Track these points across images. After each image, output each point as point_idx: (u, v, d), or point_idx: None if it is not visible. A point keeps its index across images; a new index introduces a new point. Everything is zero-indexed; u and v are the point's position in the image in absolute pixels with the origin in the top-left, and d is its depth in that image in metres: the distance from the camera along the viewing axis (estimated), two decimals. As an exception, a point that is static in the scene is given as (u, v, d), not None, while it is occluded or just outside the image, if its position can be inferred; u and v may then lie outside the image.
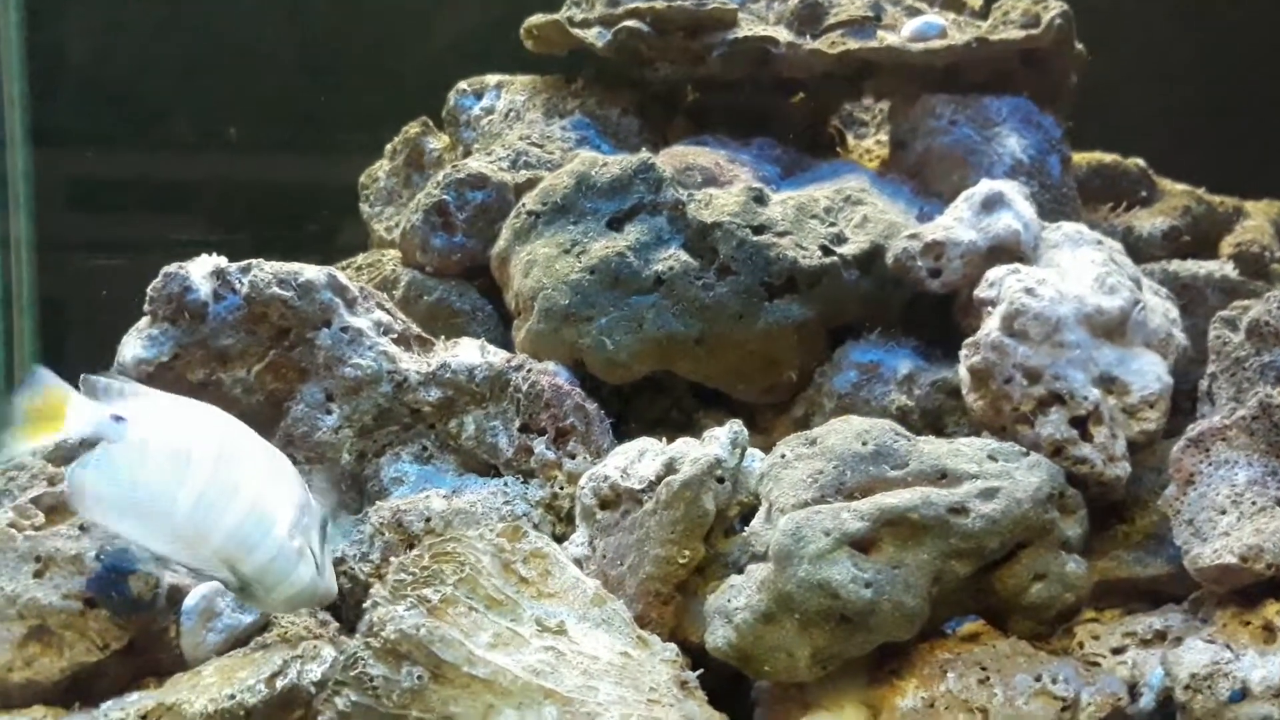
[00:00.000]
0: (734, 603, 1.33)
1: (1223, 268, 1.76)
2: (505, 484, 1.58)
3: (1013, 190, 1.60)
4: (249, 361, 1.59)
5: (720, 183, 1.76)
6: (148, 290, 1.58)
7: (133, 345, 1.58)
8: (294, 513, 1.24)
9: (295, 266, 1.61)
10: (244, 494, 1.21)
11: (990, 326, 1.46)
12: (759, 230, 1.66)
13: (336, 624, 1.43)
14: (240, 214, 2.56)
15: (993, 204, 1.58)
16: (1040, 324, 1.43)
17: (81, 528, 1.37)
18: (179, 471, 1.20)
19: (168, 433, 1.20)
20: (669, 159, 1.77)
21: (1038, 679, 1.28)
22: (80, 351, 2.60)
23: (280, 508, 1.23)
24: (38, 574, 1.34)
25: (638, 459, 1.48)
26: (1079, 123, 1.94)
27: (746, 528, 1.43)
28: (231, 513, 1.21)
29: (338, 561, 1.50)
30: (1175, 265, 1.75)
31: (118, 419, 1.19)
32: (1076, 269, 1.50)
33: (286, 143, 2.61)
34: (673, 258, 1.65)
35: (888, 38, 1.82)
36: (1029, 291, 1.45)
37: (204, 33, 2.57)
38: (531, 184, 1.79)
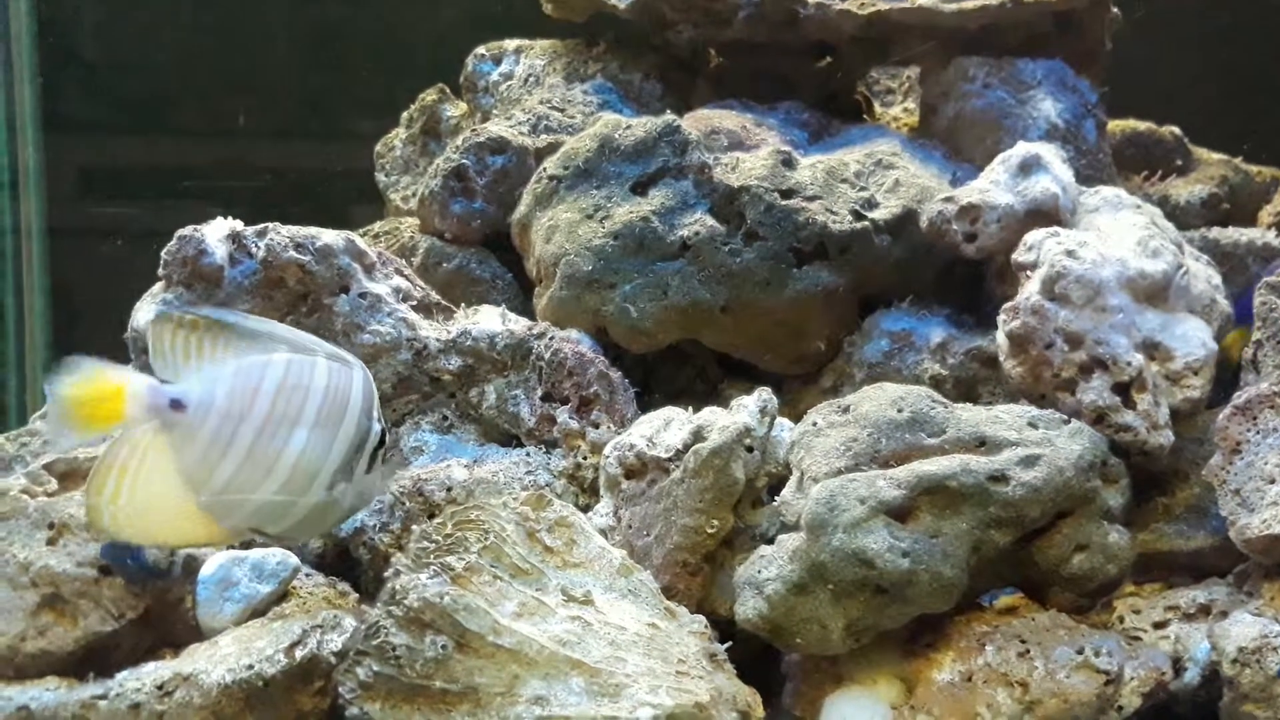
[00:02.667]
0: (765, 573, 1.29)
1: (1264, 235, 1.71)
2: (527, 454, 1.54)
3: (1050, 153, 1.56)
4: (265, 327, 1.55)
5: (747, 146, 1.71)
6: (162, 254, 1.55)
7: (146, 310, 1.54)
8: (340, 458, 1.19)
9: (313, 230, 1.58)
10: (280, 466, 1.18)
11: (1030, 290, 1.41)
12: (787, 194, 1.62)
13: (356, 594, 1.39)
14: (252, 198, 2.54)
15: (1030, 167, 1.53)
16: (1082, 287, 1.39)
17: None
18: (220, 453, 1.17)
19: (217, 416, 1.17)
20: (694, 122, 1.72)
21: (1079, 652, 1.24)
22: (90, 336, 2.58)
23: (323, 462, 1.18)
24: (51, 541, 1.31)
25: (664, 428, 1.45)
26: (1112, 89, 1.89)
27: (776, 498, 1.39)
28: (264, 489, 1.18)
29: (357, 532, 1.47)
30: (1215, 233, 1.71)
31: (175, 404, 1.15)
32: (1118, 232, 1.45)
33: (299, 126, 2.58)
34: (698, 223, 1.61)
35: (919, -1, 1.77)
36: (1070, 254, 1.40)
37: (212, 15, 2.55)
38: (552, 148, 1.75)
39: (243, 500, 1.18)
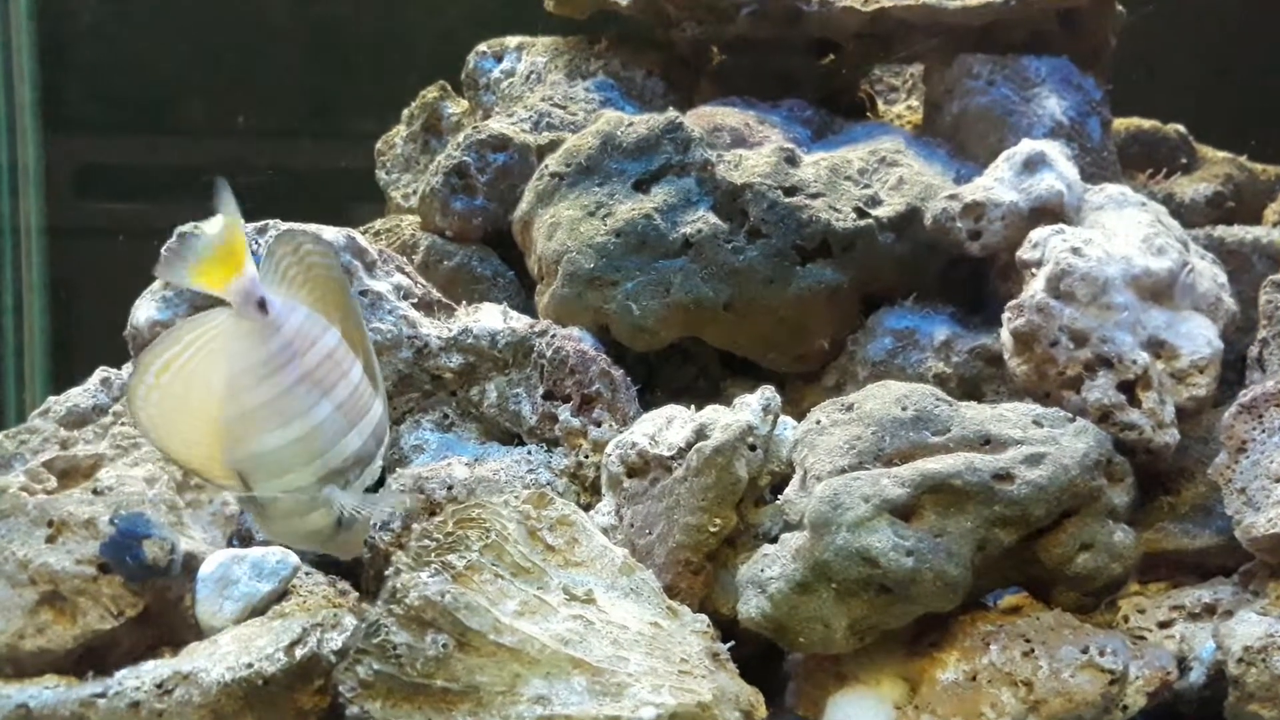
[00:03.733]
0: (768, 572, 1.29)
1: (1270, 234, 1.70)
2: (529, 452, 1.53)
3: (1055, 150, 1.55)
4: (265, 325, 1.54)
5: (750, 144, 1.71)
6: (161, 250, 1.54)
7: (146, 307, 1.54)
8: (340, 463, 1.18)
9: (313, 227, 1.56)
10: (298, 424, 1.16)
11: (1035, 288, 1.41)
12: (791, 192, 1.61)
13: (356, 593, 1.39)
14: (252, 196, 2.53)
15: (1035, 164, 1.53)
16: (1087, 285, 1.38)
17: (95, 491, 1.33)
18: (267, 373, 1.15)
19: (282, 339, 1.14)
20: (697, 119, 1.72)
21: (1084, 651, 1.23)
22: (89, 335, 2.58)
23: (327, 453, 1.17)
24: (50, 539, 1.31)
25: (666, 426, 1.44)
26: (1117, 87, 1.88)
27: (779, 497, 1.38)
28: (273, 439, 1.15)
29: (357, 529, 1.46)
30: (1221, 231, 1.70)
31: (262, 305, 1.12)
32: (1123, 230, 1.45)
33: (300, 123, 2.58)
34: (701, 220, 1.60)
35: (923, -4, 1.76)
36: (1075, 251, 1.40)
37: (213, 14, 2.54)
38: (554, 145, 1.74)
39: (255, 436, 1.15)
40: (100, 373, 1.56)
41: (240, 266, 1.11)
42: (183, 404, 1.14)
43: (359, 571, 1.44)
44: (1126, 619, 1.38)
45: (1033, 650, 1.24)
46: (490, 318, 1.60)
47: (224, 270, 1.11)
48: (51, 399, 1.51)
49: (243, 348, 1.14)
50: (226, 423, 1.15)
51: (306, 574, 1.38)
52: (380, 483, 1.23)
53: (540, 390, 1.56)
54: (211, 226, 1.11)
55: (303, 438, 1.16)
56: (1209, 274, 1.50)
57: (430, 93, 2.03)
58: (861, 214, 1.61)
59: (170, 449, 1.17)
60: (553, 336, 1.58)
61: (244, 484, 1.17)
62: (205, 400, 1.15)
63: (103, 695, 1.20)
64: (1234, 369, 1.52)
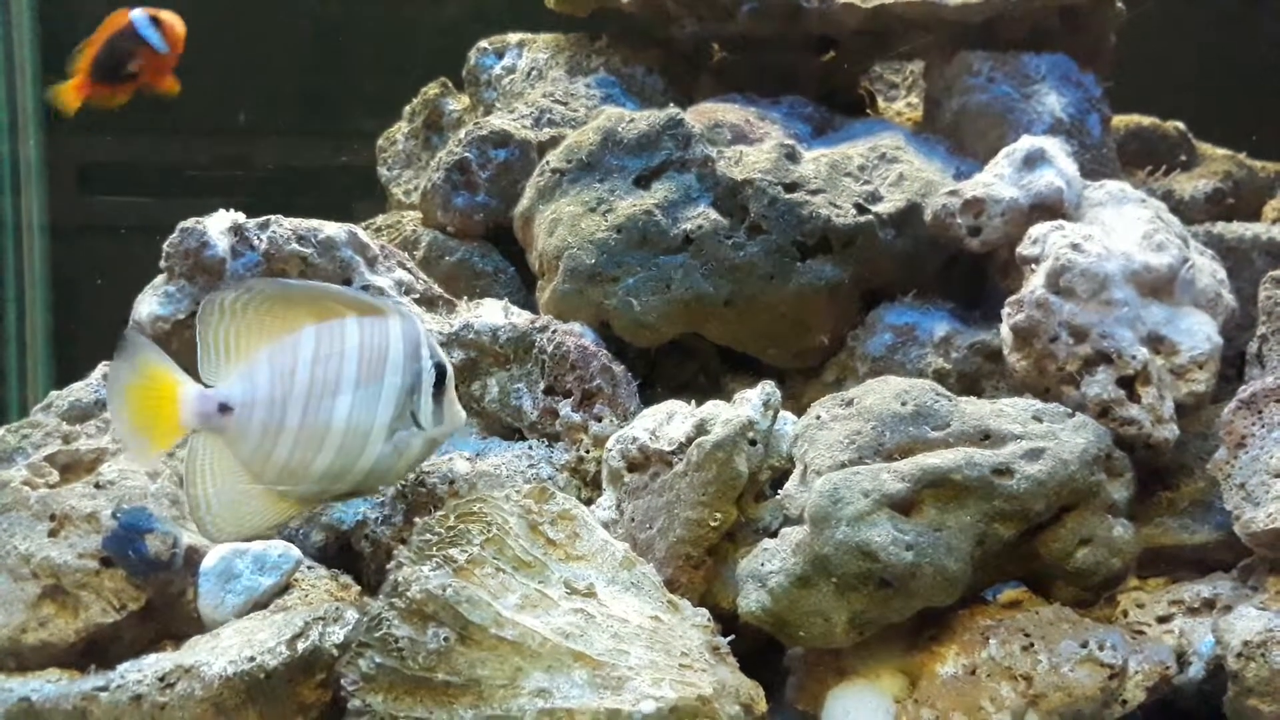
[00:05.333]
0: (768, 566, 1.29)
1: (1269, 230, 1.70)
2: (530, 447, 1.54)
3: (1054, 147, 1.55)
4: (267, 320, 1.55)
5: (750, 140, 1.71)
6: (164, 246, 1.55)
7: (149, 302, 1.54)
8: (392, 409, 1.22)
9: (315, 223, 1.57)
10: (331, 436, 1.21)
11: (1035, 284, 1.41)
12: (791, 188, 1.61)
13: (358, 587, 1.39)
14: (254, 191, 2.53)
15: (1034, 160, 1.53)
16: (1087, 280, 1.39)
17: (97, 485, 1.34)
18: (273, 440, 1.22)
19: (262, 407, 1.21)
20: (697, 116, 1.72)
21: (1084, 646, 1.24)
22: (91, 331, 2.58)
23: (373, 419, 1.22)
24: (52, 533, 1.31)
25: (667, 421, 1.44)
26: (1117, 84, 1.88)
27: (779, 492, 1.39)
28: (319, 464, 1.22)
29: (359, 525, 1.46)
30: (1220, 227, 1.70)
31: (223, 408, 1.20)
32: (1122, 226, 1.45)
33: (301, 120, 2.58)
34: (702, 216, 1.61)
35: (923, -8, 1.76)
36: (1075, 247, 1.40)
37: (215, 12, 2.54)
38: (555, 142, 1.74)
39: (304, 473, 1.21)
40: (102, 367, 1.57)
41: (175, 396, 1.19)
42: (239, 505, 1.23)
43: (361, 565, 1.44)
44: (1126, 614, 1.38)
45: (1032, 645, 1.24)
46: (491, 313, 1.60)
47: (164, 411, 1.19)
48: (54, 393, 1.51)
49: (238, 443, 1.21)
50: (275, 485, 1.22)
51: (309, 568, 1.38)
52: (442, 376, 1.24)
53: (541, 385, 1.56)
54: (115, 384, 1.18)
55: (345, 438, 1.21)
56: (1208, 270, 1.50)
57: (432, 89, 2.04)
58: (862, 210, 1.61)
59: (266, 525, 1.26)
60: (554, 332, 1.58)
61: (337, 495, 1.26)
62: (248, 494, 1.23)
63: (105, 689, 1.20)
64: (1233, 365, 1.52)
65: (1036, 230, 1.46)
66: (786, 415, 1.44)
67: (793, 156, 1.64)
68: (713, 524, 1.35)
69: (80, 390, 1.51)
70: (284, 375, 1.21)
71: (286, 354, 1.21)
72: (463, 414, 1.29)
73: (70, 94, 1.78)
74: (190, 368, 1.47)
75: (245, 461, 1.22)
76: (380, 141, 2.08)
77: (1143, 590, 1.41)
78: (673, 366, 1.70)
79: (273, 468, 1.22)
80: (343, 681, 1.19)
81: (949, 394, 1.36)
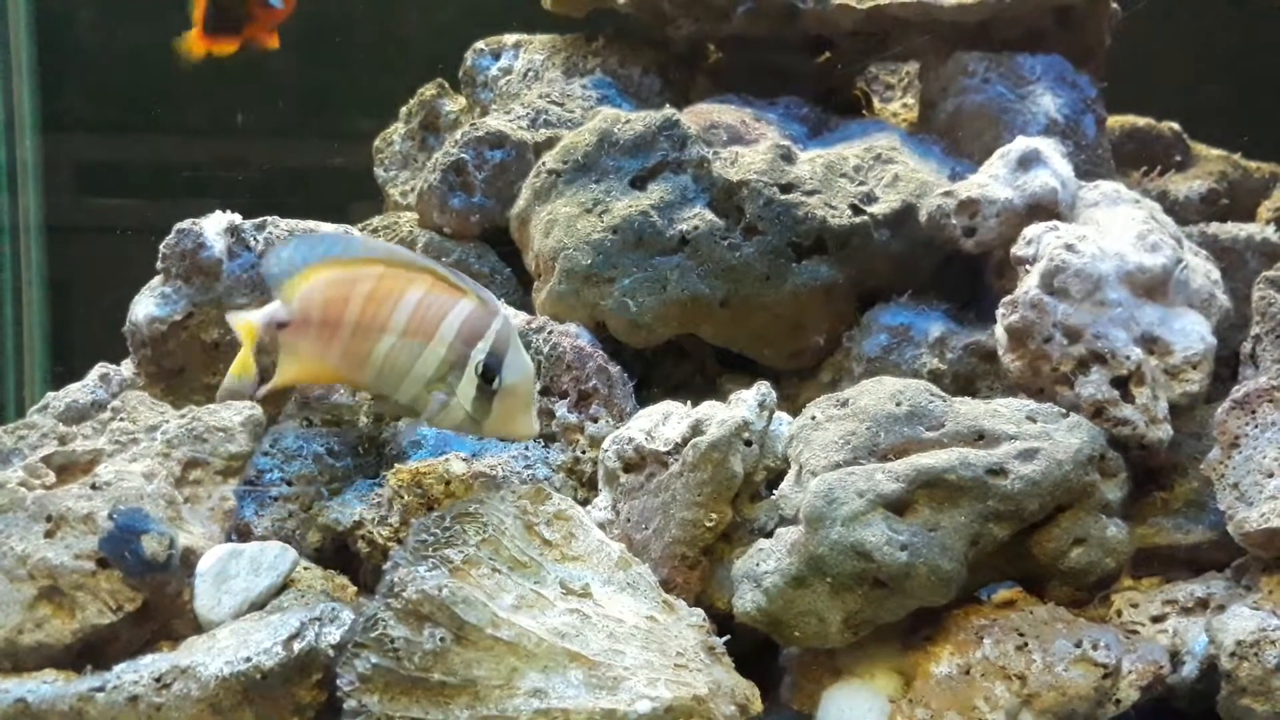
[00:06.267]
0: (763, 566, 1.29)
1: (1263, 231, 1.71)
2: (526, 448, 1.54)
3: (1049, 148, 1.56)
4: (264, 321, 1.55)
5: (746, 141, 1.71)
6: (160, 247, 1.55)
7: (145, 303, 1.54)
8: (431, 371, 1.30)
9: (311, 224, 1.58)
10: (372, 362, 1.31)
11: (1029, 284, 1.41)
12: (787, 189, 1.61)
13: (354, 587, 1.39)
14: (250, 193, 2.53)
15: (1029, 161, 1.53)
16: (1081, 281, 1.39)
17: (93, 486, 1.34)
18: (324, 350, 1.33)
19: (314, 326, 1.33)
20: (693, 117, 1.72)
21: (1078, 645, 1.24)
22: (87, 333, 2.58)
23: (411, 365, 1.30)
24: (49, 534, 1.31)
25: (662, 421, 1.45)
26: (1112, 85, 1.89)
27: (774, 492, 1.39)
28: (363, 376, 1.34)
29: (355, 525, 1.46)
30: (1214, 228, 1.70)
31: (280, 325, 1.33)
32: (1117, 226, 1.45)
33: (298, 121, 2.58)
34: (697, 217, 1.61)
35: (918, -7, 1.76)
36: (1069, 248, 1.40)
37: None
38: (551, 142, 1.74)
39: (359, 381, 1.36)
40: (99, 368, 1.57)
41: (250, 331, 1.34)
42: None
43: (357, 566, 1.45)
44: (1120, 613, 1.38)
45: (1026, 644, 1.25)
46: (487, 314, 1.60)
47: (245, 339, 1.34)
48: (50, 394, 1.52)
49: (296, 351, 1.34)
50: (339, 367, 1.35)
51: (305, 568, 1.38)
52: (489, 375, 1.29)
53: (537, 386, 1.56)
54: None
55: (382, 369, 1.31)
56: (1202, 270, 1.51)
57: (428, 90, 2.04)
58: (857, 211, 1.61)
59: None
60: (550, 333, 1.58)
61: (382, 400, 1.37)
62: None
63: (101, 689, 1.21)
64: (1227, 365, 1.52)
65: (1031, 231, 1.46)
66: (782, 416, 1.44)
67: (788, 157, 1.64)
68: (708, 524, 1.35)
69: (76, 391, 1.51)
70: (337, 302, 1.31)
71: (344, 285, 1.31)
72: (533, 426, 1.34)
73: (195, 43, 1.80)
74: (190, 368, 1.49)
75: (308, 364, 1.35)
76: (377, 142, 2.08)
77: (1137, 590, 1.41)
78: (668, 367, 1.70)
79: (330, 362, 1.34)
80: (339, 682, 1.19)
81: (943, 394, 1.36)
